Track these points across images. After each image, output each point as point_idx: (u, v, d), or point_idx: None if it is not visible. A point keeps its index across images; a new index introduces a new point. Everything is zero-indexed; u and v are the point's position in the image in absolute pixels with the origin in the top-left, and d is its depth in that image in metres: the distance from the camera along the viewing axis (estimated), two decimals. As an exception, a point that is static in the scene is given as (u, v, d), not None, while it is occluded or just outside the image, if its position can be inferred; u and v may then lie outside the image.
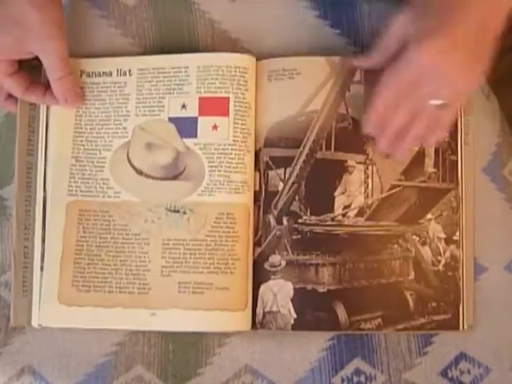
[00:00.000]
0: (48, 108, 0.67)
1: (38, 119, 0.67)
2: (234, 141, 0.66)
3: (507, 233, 0.69)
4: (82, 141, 0.67)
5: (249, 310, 0.65)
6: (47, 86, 0.65)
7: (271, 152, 0.67)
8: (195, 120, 0.66)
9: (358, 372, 0.67)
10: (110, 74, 0.68)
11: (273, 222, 0.66)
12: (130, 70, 0.68)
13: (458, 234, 0.67)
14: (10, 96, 0.66)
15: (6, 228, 0.68)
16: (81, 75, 0.68)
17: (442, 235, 0.67)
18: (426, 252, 0.67)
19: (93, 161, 0.67)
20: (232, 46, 0.70)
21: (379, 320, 0.65)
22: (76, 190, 0.67)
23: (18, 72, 0.64)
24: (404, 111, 0.60)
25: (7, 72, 0.63)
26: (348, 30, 0.70)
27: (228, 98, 0.66)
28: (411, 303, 0.66)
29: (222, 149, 0.66)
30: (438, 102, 0.59)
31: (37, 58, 0.64)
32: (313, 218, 0.66)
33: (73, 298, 0.65)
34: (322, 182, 0.67)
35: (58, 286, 0.65)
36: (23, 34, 0.61)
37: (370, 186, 0.67)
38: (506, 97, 0.72)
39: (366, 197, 0.67)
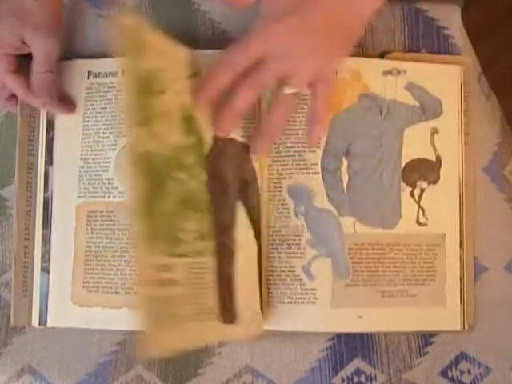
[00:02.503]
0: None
1: (39, 119, 0.67)
2: None
3: (507, 233, 0.69)
4: (89, 142, 0.67)
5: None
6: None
7: None
8: None
9: (358, 372, 0.67)
10: (116, 73, 0.68)
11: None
12: None
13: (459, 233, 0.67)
14: (11, 96, 0.66)
15: (6, 228, 0.68)
16: (88, 76, 0.68)
17: (443, 235, 0.67)
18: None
19: (99, 161, 0.67)
20: (232, 46, 0.70)
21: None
22: (84, 192, 0.67)
23: (20, 71, 0.64)
24: (244, 95, 0.58)
25: (10, 68, 0.63)
26: (348, 30, 0.70)
27: None
28: (412, 303, 0.66)
29: None
30: (290, 90, 0.59)
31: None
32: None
33: (83, 299, 0.65)
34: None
35: (71, 287, 0.65)
36: (23, 26, 0.62)
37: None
38: (506, 97, 0.72)
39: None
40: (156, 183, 0.56)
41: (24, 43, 0.63)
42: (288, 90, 0.59)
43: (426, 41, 0.70)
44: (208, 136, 0.62)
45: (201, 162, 0.61)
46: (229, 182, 0.64)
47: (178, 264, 0.57)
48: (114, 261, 0.65)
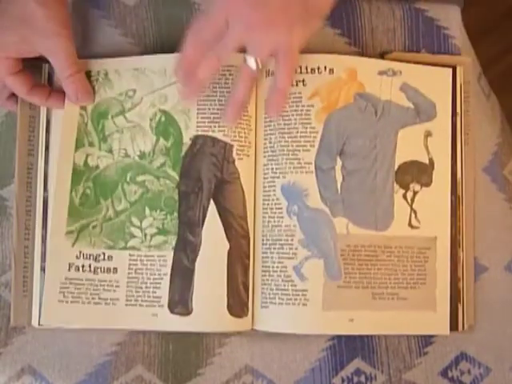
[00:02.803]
0: (49, 108, 0.67)
1: (39, 119, 0.67)
2: None
3: (507, 233, 0.69)
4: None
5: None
6: (50, 89, 0.66)
7: None
8: None
9: (358, 372, 0.67)
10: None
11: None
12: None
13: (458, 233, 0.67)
14: (11, 95, 0.66)
15: (6, 228, 0.68)
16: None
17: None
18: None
19: None
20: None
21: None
22: None
23: (22, 71, 0.64)
24: (212, 59, 0.60)
25: (11, 70, 0.63)
26: (348, 29, 0.70)
27: None
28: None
29: None
30: (252, 61, 0.60)
31: (39, 58, 0.64)
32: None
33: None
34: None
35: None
36: (30, 33, 0.61)
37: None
38: (506, 97, 0.72)
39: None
40: (106, 190, 0.66)
41: (32, 50, 0.63)
42: (249, 60, 0.60)
43: (426, 41, 0.70)
44: (187, 137, 0.65)
45: (174, 162, 0.66)
46: (203, 180, 0.65)
47: (122, 255, 0.65)
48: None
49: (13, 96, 0.66)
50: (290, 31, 0.59)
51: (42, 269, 0.65)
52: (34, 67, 0.66)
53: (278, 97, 0.63)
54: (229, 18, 0.58)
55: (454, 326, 0.66)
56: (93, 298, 0.64)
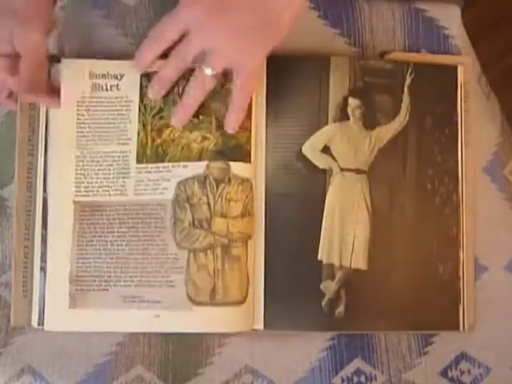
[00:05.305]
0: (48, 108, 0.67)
1: (39, 119, 0.67)
2: None
3: (507, 233, 0.69)
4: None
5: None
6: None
7: None
8: None
9: (358, 372, 0.67)
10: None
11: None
12: None
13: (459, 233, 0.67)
14: (11, 95, 0.66)
15: (6, 228, 0.68)
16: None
17: (442, 235, 0.67)
18: (425, 252, 0.67)
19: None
20: (232, 45, 0.70)
21: (380, 320, 0.66)
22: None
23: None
24: (172, 64, 0.61)
25: (13, 71, 0.62)
26: (348, 30, 0.70)
27: None
28: (411, 303, 0.66)
29: None
30: (208, 70, 0.59)
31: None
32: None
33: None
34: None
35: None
36: (12, 23, 0.60)
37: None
38: (506, 97, 0.72)
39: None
40: None
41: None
42: (205, 70, 0.60)
43: (426, 41, 0.70)
44: None
45: None
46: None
47: None
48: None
49: (13, 95, 0.66)
50: (252, 49, 0.59)
51: (42, 269, 0.65)
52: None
53: (236, 116, 0.63)
54: (194, 21, 0.58)
55: (454, 325, 0.66)
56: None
